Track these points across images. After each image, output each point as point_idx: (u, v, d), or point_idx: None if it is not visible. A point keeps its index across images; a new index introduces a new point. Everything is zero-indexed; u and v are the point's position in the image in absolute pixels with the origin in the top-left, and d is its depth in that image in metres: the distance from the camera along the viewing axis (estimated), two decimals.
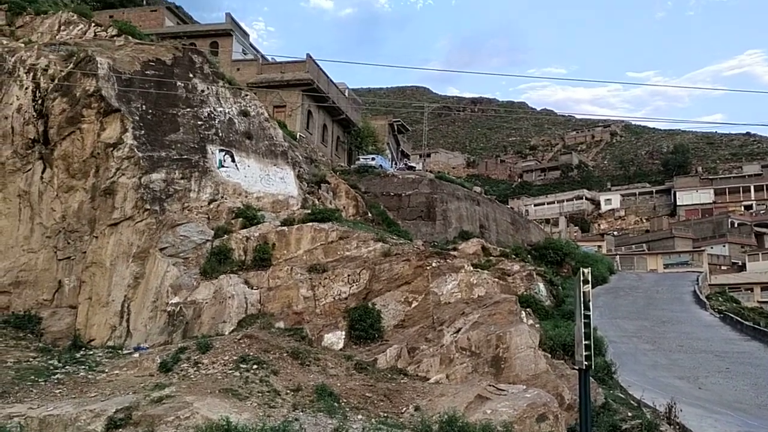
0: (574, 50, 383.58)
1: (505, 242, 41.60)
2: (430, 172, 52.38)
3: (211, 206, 22.81)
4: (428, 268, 20.63)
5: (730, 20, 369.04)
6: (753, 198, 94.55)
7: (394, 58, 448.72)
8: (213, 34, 42.28)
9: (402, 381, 15.79)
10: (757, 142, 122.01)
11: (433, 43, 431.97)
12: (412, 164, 53.05)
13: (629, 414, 13.33)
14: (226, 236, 21.61)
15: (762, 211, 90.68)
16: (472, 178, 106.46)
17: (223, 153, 24.29)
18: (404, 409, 13.79)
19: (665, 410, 13.68)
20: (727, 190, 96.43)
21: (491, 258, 31.53)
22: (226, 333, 18.13)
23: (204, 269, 20.41)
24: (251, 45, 46.93)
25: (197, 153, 23.62)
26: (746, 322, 32.12)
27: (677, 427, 13.10)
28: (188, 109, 24.41)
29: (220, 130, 24.73)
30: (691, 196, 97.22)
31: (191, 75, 25.45)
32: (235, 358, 15.37)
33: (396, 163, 52.79)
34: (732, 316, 33.96)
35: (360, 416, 13.05)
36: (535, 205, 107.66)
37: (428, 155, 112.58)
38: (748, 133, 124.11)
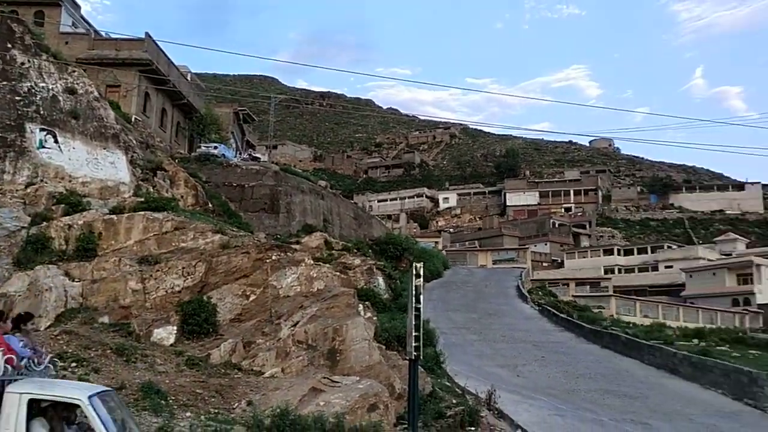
0: (419, 52, 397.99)
1: (348, 236, 42.21)
2: (276, 164, 51.78)
3: (29, 190, 20.86)
4: (268, 261, 20.36)
5: (560, 35, 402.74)
6: (572, 201, 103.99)
7: (244, 45, 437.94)
8: (38, 3, 38.55)
9: (236, 376, 15.45)
10: (578, 150, 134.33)
11: (284, 34, 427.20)
12: (258, 155, 52.11)
13: (454, 401, 14.09)
14: (45, 224, 19.86)
15: (579, 213, 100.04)
16: (319, 172, 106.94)
17: (45, 133, 22.29)
18: (236, 404, 13.50)
19: (486, 397, 14.62)
20: (550, 193, 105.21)
21: (333, 252, 31.81)
22: (42, 329, 16.64)
23: (18, 259, 18.62)
24: (83, 18, 43.39)
25: (13, 131, 21.48)
26: (561, 315, 35.19)
27: (495, 412, 14.05)
28: (4, 83, 22.09)
29: (41, 108, 22.65)
30: (519, 197, 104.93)
31: (10, 45, 23.07)
32: (51, 355, 14.13)
33: (240, 153, 51.55)
34: (549, 308, 37.05)
35: (189, 413, 12.57)
36: (378, 201, 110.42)
37: (275, 147, 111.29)
38: (570, 142, 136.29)
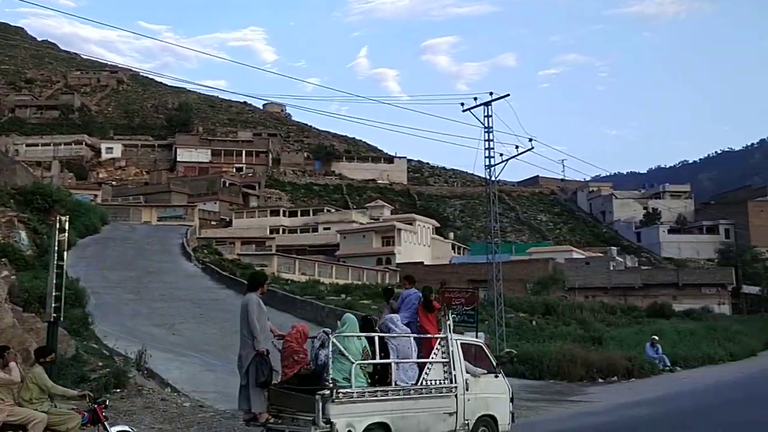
0: None
1: None
2: None
3: None
4: None
5: None
6: (244, 161, 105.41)
7: None
8: None
9: None
10: (252, 112, 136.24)
11: None
12: None
13: (100, 364, 13.33)
14: None
15: (250, 174, 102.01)
16: None
17: None
18: None
19: (136, 357, 14.16)
20: (222, 152, 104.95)
21: None
22: None
23: None
24: None
25: None
26: (224, 273, 35.66)
27: (145, 372, 13.70)
28: None
29: None
30: (191, 154, 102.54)
31: None
32: None
33: None
34: (213, 266, 37.23)
35: None
36: (27, 145, 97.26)
37: None
38: (245, 103, 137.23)
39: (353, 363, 8.01)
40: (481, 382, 9.57)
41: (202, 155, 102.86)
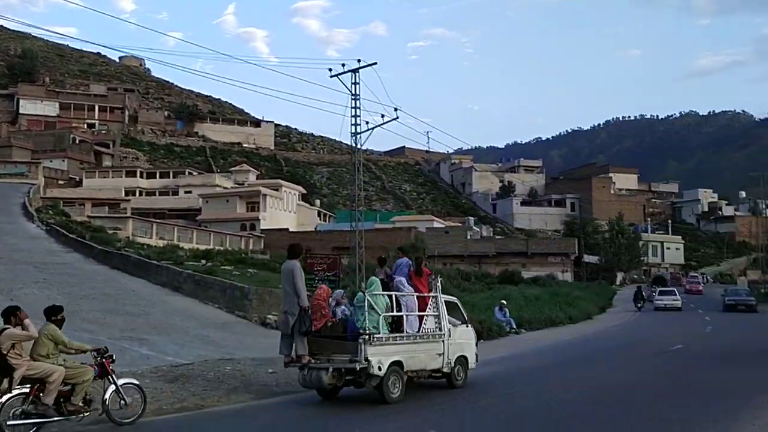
0: None
1: None
2: None
3: None
4: None
5: None
6: (97, 117, 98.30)
7: None
8: None
9: None
10: (106, 64, 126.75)
11: None
12: None
13: None
14: None
15: (103, 131, 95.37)
16: None
17: None
18: None
19: None
20: (72, 105, 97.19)
21: None
22: None
23: None
24: None
25: None
26: (71, 235, 33.32)
27: None
28: None
29: None
30: (36, 106, 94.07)
31: None
32: None
33: None
34: (58, 228, 34.65)
35: None
36: None
37: None
38: (98, 54, 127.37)
39: (380, 315, 10.10)
40: (458, 331, 12.03)
41: (49, 108, 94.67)
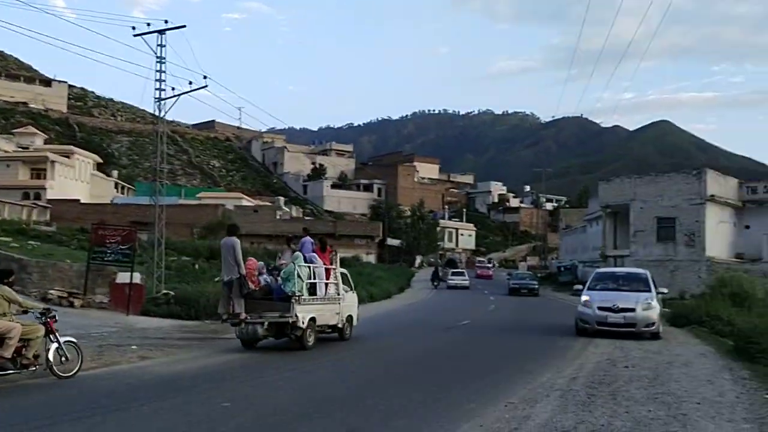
0: None
1: None
2: None
3: None
4: None
5: None
6: None
7: None
8: None
9: None
10: None
11: None
12: None
13: None
14: None
15: None
16: None
17: None
18: None
19: None
20: None
21: None
22: None
23: None
24: None
25: None
26: None
27: None
28: None
29: None
30: None
31: None
32: None
33: None
34: None
35: None
36: None
37: None
38: None
39: (304, 281, 12.96)
40: (347, 296, 15.40)
41: None
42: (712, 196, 37.57)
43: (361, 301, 28.18)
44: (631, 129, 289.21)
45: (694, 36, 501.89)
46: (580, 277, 43.30)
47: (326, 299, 13.92)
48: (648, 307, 15.64)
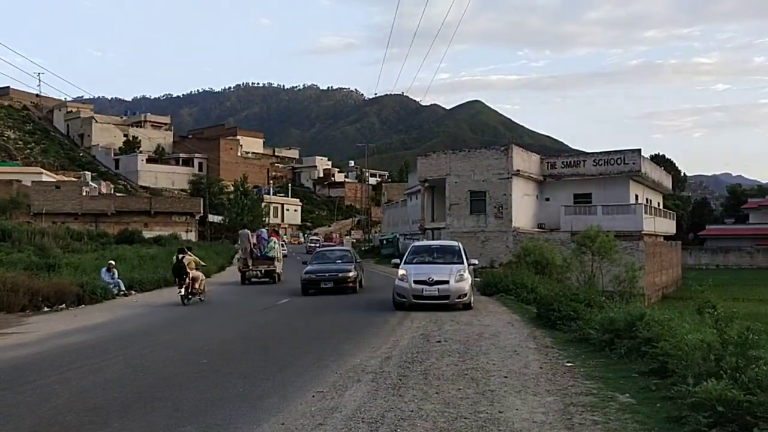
0: None
1: None
2: None
3: None
4: None
5: None
6: None
7: None
8: None
9: None
10: None
11: None
12: None
13: None
14: None
15: None
16: None
17: None
18: None
19: None
20: None
21: None
22: None
23: None
24: None
25: None
26: None
27: None
28: None
29: None
30: None
31: None
32: None
33: None
34: None
35: None
36: None
37: None
38: None
39: (278, 252, 28.87)
40: (282, 260, 30.47)
41: None
42: (518, 171, 40.17)
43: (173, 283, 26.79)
44: (447, 108, 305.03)
45: (502, 22, 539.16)
46: (402, 250, 44.45)
47: (281, 260, 30.01)
48: (461, 278, 15.99)
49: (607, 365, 8.67)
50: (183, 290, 18.72)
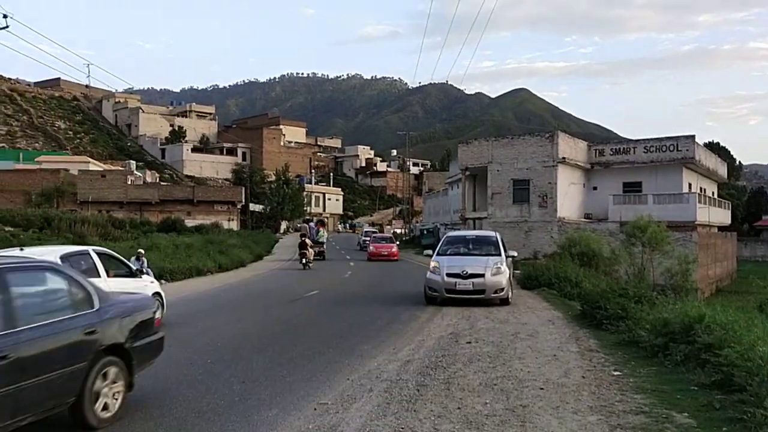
0: None
1: None
2: None
3: None
4: None
5: None
6: None
7: None
8: None
9: None
10: None
11: None
12: None
13: None
14: None
15: None
16: None
17: None
18: None
19: None
20: None
21: None
22: None
23: None
24: None
25: None
26: None
27: None
28: None
29: None
30: None
31: None
32: None
33: None
34: None
35: None
36: None
37: None
38: None
39: (325, 239, 38.90)
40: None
41: None
42: (564, 158, 38.52)
43: (207, 272, 26.34)
44: (492, 96, 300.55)
45: (549, 6, 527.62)
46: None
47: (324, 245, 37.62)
48: (497, 272, 14.86)
49: (660, 375, 7.53)
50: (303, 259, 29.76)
